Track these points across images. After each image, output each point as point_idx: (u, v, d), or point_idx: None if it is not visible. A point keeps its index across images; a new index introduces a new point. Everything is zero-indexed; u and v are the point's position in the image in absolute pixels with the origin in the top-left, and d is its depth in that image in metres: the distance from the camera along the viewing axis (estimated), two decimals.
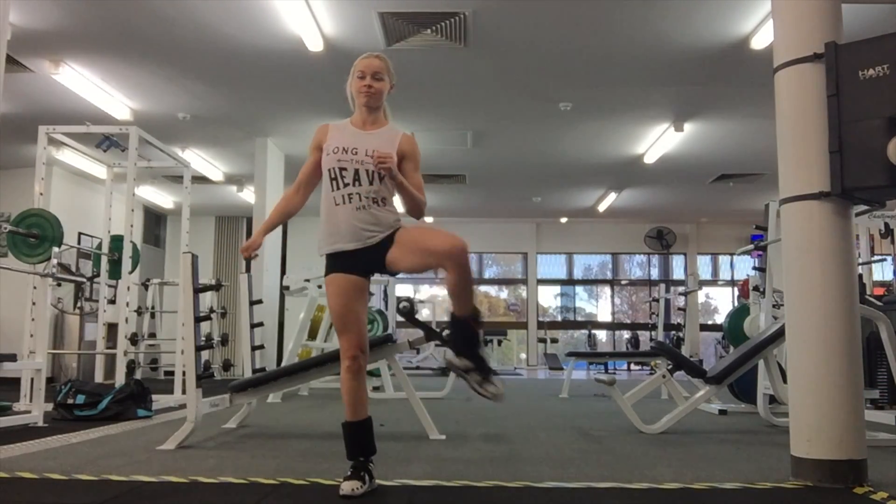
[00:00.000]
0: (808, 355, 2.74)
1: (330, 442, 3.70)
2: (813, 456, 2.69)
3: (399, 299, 5.98)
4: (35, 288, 5.11)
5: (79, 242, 9.50)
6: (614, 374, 12.40)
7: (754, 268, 5.73)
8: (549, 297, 15.21)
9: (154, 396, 5.15)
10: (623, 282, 15.25)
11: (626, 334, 14.59)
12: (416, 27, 5.61)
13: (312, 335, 7.05)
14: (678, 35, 5.77)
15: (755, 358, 4.36)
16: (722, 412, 5.34)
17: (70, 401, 4.70)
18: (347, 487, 2.42)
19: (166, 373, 9.13)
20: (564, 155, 9.37)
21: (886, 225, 5.88)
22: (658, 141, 8.58)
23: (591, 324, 14.57)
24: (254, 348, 4.83)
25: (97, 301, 6.74)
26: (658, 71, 6.53)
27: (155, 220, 12.77)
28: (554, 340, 14.15)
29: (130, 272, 5.78)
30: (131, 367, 7.59)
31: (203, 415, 3.69)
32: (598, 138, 8.66)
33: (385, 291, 9.87)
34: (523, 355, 14.77)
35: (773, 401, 4.66)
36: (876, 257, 6.24)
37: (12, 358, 4.46)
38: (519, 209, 13.15)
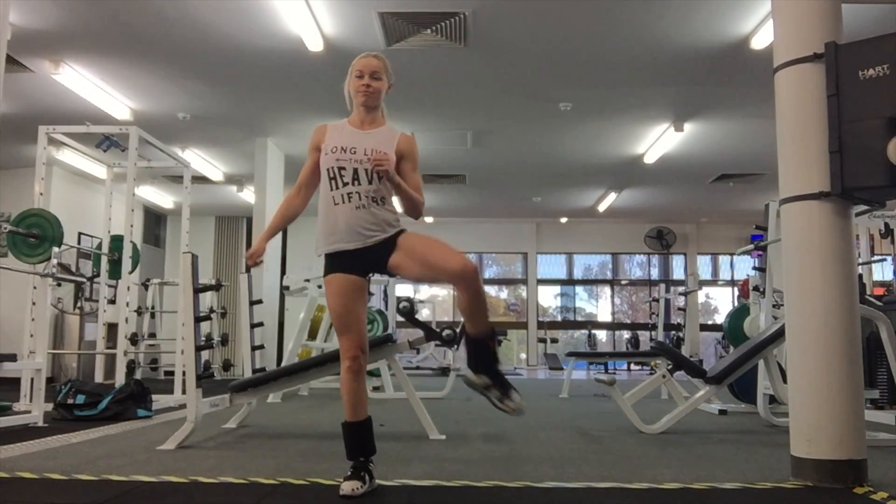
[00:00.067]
0: (808, 355, 2.74)
1: (330, 442, 3.70)
2: (813, 456, 2.69)
3: (399, 299, 5.98)
4: (35, 288, 5.11)
5: (79, 242, 9.50)
6: (614, 374, 12.40)
7: (754, 268, 5.73)
8: (549, 297, 15.21)
9: (154, 396, 5.15)
10: (623, 282, 15.25)
11: (626, 334, 14.59)
12: (416, 27, 5.61)
13: (312, 335, 7.05)
14: (678, 35, 5.77)
15: (755, 358, 4.36)
16: (722, 412, 5.34)
17: (70, 401, 4.70)
18: (347, 487, 2.42)
19: (166, 373, 9.13)
20: (564, 155, 9.37)
21: (886, 225, 5.88)
22: (658, 141, 8.58)
23: (591, 324, 14.57)
24: (254, 348, 4.83)
25: (97, 301, 6.74)
26: (658, 71, 6.53)
27: (155, 220, 12.77)
28: (554, 340, 14.15)
29: (130, 272, 5.78)
30: (131, 367, 7.59)
31: (203, 415, 3.69)
32: (598, 138, 8.66)
33: (385, 291, 9.87)
34: (523, 355, 14.77)
35: (773, 401, 4.66)
36: (876, 257, 6.24)
37: (12, 358, 4.46)
38: (519, 209, 13.15)
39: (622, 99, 7.32)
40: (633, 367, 13.94)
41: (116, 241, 6.12)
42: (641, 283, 15.07)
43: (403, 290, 13.66)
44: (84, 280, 7.23)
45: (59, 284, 6.22)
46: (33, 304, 5.10)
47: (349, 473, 2.49)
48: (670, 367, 4.73)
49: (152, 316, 9.32)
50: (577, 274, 15.10)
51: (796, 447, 2.77)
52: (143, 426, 4.40)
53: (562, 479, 2.78)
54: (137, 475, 2.76)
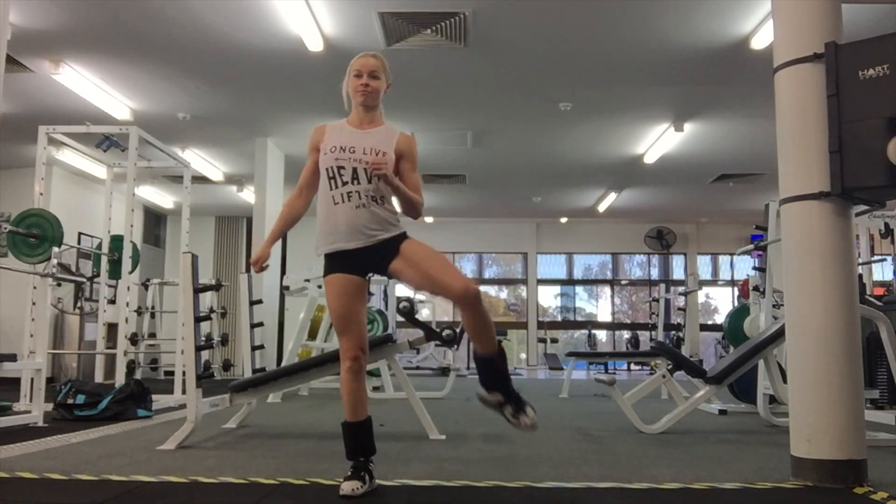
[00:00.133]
0: (808, 355, 2.74)
1: (330, 442, 3.70)
2: (813, 456, 2.69)
3: (399, 299, 5.98)
4: (35, 288, 5.11)
5: (79, 242, 9.50)
6: (614, 374, 12.40)
7: (754, 268, 5.73)
8: (549, 297, 15.22)
9: (154, 396, 5.15)
10: (623, 282, 15.25)
11: (626, 334, 14.59)
12: (416, 27, 5.61)
13: (312, 335, 7.05)
14: (678, 35, 5.77)
15: (755, 358, 4.36)
16: (722, 412, 5.34)
17: (70, 401, 4.70)
18: (347, 487, 2.42)
19: (166, 373, 9.13)
20: (564, 155, 9.37)
21: (886, 225, 5.88)
22: (658, 141, 8.58)
23: (591, 324, 14.57)
24: (254, 348, 4.83)
25: (97, 301, 6.74)
26: (658, 71, 6.53)
27: (155, 220, 12.77)
28: (554, 340, 14.15)
29: (130, 272, 5.78)
30: (131, 367, 7.59)
31: (203, 415, 3.69)
32: (598, 138, 8.66)
33: (385, 291, 9.87)
34: (523, 355, 14.77)
35: (773, 401, 4.66)
36: (876, 257, 6.24)
37: (12, 358, 4.46)
38: (519, 209, 13.15)
39: (622, 99, 7.32)
40: (633, 367, 13.94)
41: (116, 241, 6.12)
42: (641, 283, 15.07)
43: (403, 290, 13.67)
44: (84, 280, 7.23)
45: (59, 284, 6.22)
46: (33, 304, 5.10)
47: (349, 473, 2.49)
48: (670, 367, 4.73)
49: (152, 316, 9.33)
50: (577, 274, 15.10)
51: (796, 447, 2.77)
52: (143, 426, 4.40)
53: (562, 479, 2.78)
54: (137, 475, 2.76)
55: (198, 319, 3.66)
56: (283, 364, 6.22)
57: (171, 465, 3.02)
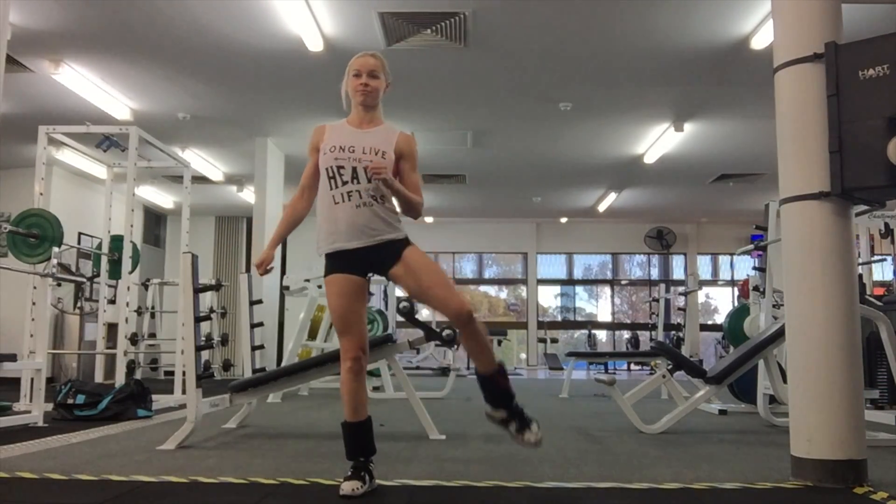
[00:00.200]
0: (808, 355, 2.74)
1: (330, 442, 3.70)
2: (813, 456, 2.69)
3: (399, 299, 5.97)
4: (35, 288, 5.11)
5: (79, 242, 9.50)
6: (614, 374, 12.40)
7: (754, 268, 5.73)
8: (549, 297, 15.22)
9: (154, 396, 5.15)
10: (623, 282, 15.25)
11: (626, 334, 14.59)
12: (416, 27, 5.61)
13: (312, 335, 7.05)
14: (678, 35, 5.77)
15: (755, 358, 4.36)
16: (722, 412, 5.34)
17: (70, 401, 4.70)
18: (347, 487, 2.42)
19: (166, 373, 9.13)
20: (564, 155, 9.37)
21: (886, 225, 5.88)
22: (658, 141, 8.58)
23: (591, 324, 14.58)
24: (254, 348, 4.83)
25: (97, 301, 6.74)
26: (658, 71, 6.53)
27: (155, 220, 12.77)
28: (554, 340, 14.15)
29: (130, 272, 5.78)
30: (131, 367, 7.59)
31: (203, 415, 3.69)
32: (598, 138, 8.66)
33: (385, 291, 9.88)
34: (523, 355, 14.77)
35: (773, 401, 4.66)
36: (876, 257, 6.24)
37: (12, 358, 4.47)
38: (519, 209, 13.15)
39: (622, 99, 7.32)
40: (633, 367, 13.93)
41: (116, 241, 6.12)
42: (641, 283, 15.08)
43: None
44: (84, 280, 7.23)
45: (59, 284, 6.22)
46: (33, 304, 5.10)
47: (349, 473, 2.49)
48: (670, 367, 4.73)
49: (152, 316, 9.32)
50: (577, 274, 15.11)
51: (796, 447, 2.77)
52: (143, 426, 4.40)
53: (562, 479, 2.78)
54: (137, 475, 2.76)
55: (198, 319, 3.67)
56: (283, 364, 6.22)
57: (171, 465, 3.02)
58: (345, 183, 2.56)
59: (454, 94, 7.23)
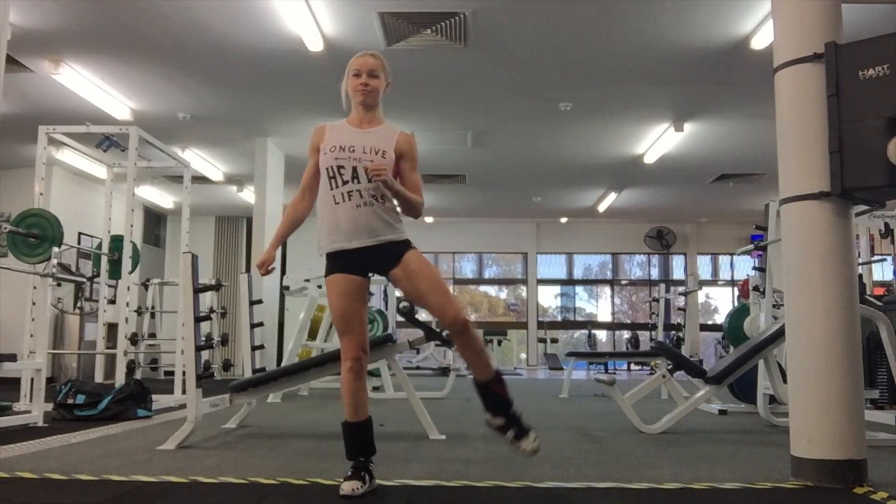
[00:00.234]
0: (807, 355, 2.74)
1: (330, 442, 3.70)
2: (813, 456, 2.69)
3: (399, 299, 5.98)
4: (35, 288, 5.11)
5: (79, 242, 9.50)
6: (614, 374, 12.40)
7: (754, 268, 5.73)
8: (549, 297, 15.22)
9: (154, 396, 5.15)
10: (623, 282, 15.25)
11: (626, 334, 14.60)
12: (416, 27, 5.61)
13: (312, 335, 7.05)
14: (678, 35, 5.77)
15: (755, 358, 4.36)
16: (722, 412, 5.34)
17: (70, 401, 4.70)
18: (347, 487, 2.42)
19: (166, 373, 9.13)
20: (564, 155, 9.38)
21: (886, 225, 5.88)
22: (658, 141, 8.58)
23: (591, 324, 14.58)
24: (254, 348, 4.83)
25: (97, 301, 6.74)
26: (658, 71, 6.53)
27: (155, 220, 12.78)
28: (554, 340, 14.15)
29: (130, 272, 5.78)
30: (131, 367, 7.59)
31: (203, 415, 3.69)
32: (598, 138, 8.66)
33: (385, 291, 9.88)
34: (523, 355, 14.77)
35: (773, 401, 4.66)
36: (876, 257, 6.24)
37: (12, 358, 4.46)
38: (519, 209, 13.15)
39: (622, 99, 7.32)
40: (633, 367, 13.94)
41: (116, 241, 6.12)
42: (641, 283, 15.08)
43: None
44: (84, 280, 7.23)
45: (59, 284, 6.22)
46: (33, 304, 5.10)
47: (349, 473, 2.49)
48: (670, 367, 4.73)
49: (152, 316, 9.33)
50: (577, 274, 15.11)
51: (796, 447, 2.77)
52: (143, 426, 4.40)
53: (562, 479, 2.78)
54: (137, 475, 2.76)
55: (198, 319, 3.66)
56: (283, 364, 6.22)
57: (171, 465, 3.02)
58: (345, 183, 2.56)
59: (454, 94, 7.23)
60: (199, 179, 9.94)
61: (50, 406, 4.72)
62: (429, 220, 13.56)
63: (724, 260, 14.86)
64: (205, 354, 7.62)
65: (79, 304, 8.73)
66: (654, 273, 14.97)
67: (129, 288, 5.60)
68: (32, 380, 4.78)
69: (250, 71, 6.55)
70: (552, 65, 6.43)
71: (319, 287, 6.43)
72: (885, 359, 4.26)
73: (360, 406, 2.55)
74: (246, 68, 6.49)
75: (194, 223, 7.88)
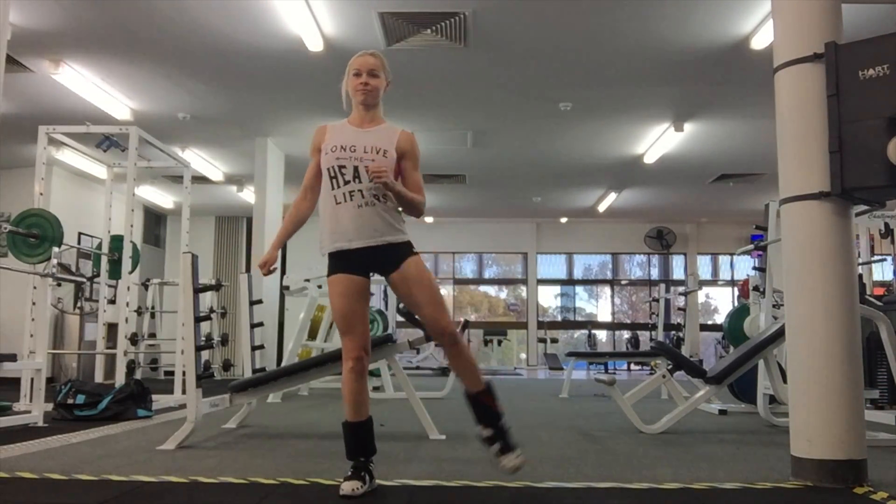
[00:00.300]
0: (807, 355, 2.74)
1: (330, 442, 3.70)
2: (813, 456, 2.69)
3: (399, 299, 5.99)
4: (35, 288, 5.11)
5: (79, 242, 9.50)
6: (614, 374, 12.40)
7: (754, 268, 5.73)
8: (549, 297, 15.22)
9: (154, 396, 5.15)
10: (623, 282, 15.25)
11: (626, 334, 14.60)
12: (416, 27, 5.61)
13: (312, 335, 7.05)
14: (678, 35, 5.77)
15: (755, 358, 4.36)
16: (722, 412, 5.34)
17: (70, 401, 4.69)
18: (348, 487, 2.42)
19: (166, 373, 9.14)
20: (564, 155, 9.38)
21: (886, 225, 5.88)
22: (658, 141, 8.58)
23: (591, 324, 14.58)
24: (254, 348, 4.83)
25: (97, 301, 6.74)
26: (658, 71, 6.53)
27: (155, 220, 12.78)
28: (554, 340, 14.15)
29: (130, 272, 5.78)
30: (131, 367, 7.59)
31: (203, 415, 3.69)
32: (598, 138, 8.66)
33: (385, 291, 9.88)
34: (523, 355, 14.77)
35: (773, 401, 4.66)
36: (876, 257, 6.24)
37: (12, 358, 4.46)
38: (519, 209, 13.15)
39: (622, 99, 7.32)
40: (633, 367, 13.94)
41: (116, 241, 6.12)
42: (641, 283, 15.08)
43: None
44: (84, 280, 7.23)
45: (59, 284, 6.22)
46: (33, 304, 5.10)
47: (349, 473, 2.49)
48: (670, 367, 4.73)
49: (152, 316, 9.33)
50: (577, 274, 15.11)
51: (796, 447, 2.77)
52: (143, 426, 4.40)
53: (562, 479, 2.78)
54: (137, 475, 2.76)
55: (198, 319, 3.66)
56: (283, 364, 6.22)
57: (171, 465, 3.02)
58: (347, 182, 2.56)
59: (454, 94, 7.23)
60: (199, 179, 9.95)
61: (50, 406, 4.72)
62: (429, 220, 13.57)
63: (724, 260, 14.87)
64: (205, 354, 7.62)
65: (79, 304, 8.74)
66: (654, 273, 14.97)
67: (129, 288, 5.60)
68: (32, 380, 4.78)
69: (250, 71, 6.56)
70: (552, 65, 6.43)
71: (319, 287, 6.44)
72: (885, 359, 4.26)
73: (361, 406, 2.55)
74: (246, 68, 6.49)
75: (194, 223, 7.88)
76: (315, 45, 5.85)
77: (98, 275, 6.42)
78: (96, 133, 5.73)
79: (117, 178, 6.44)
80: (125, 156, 5.58)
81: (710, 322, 14.73)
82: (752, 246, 5.74)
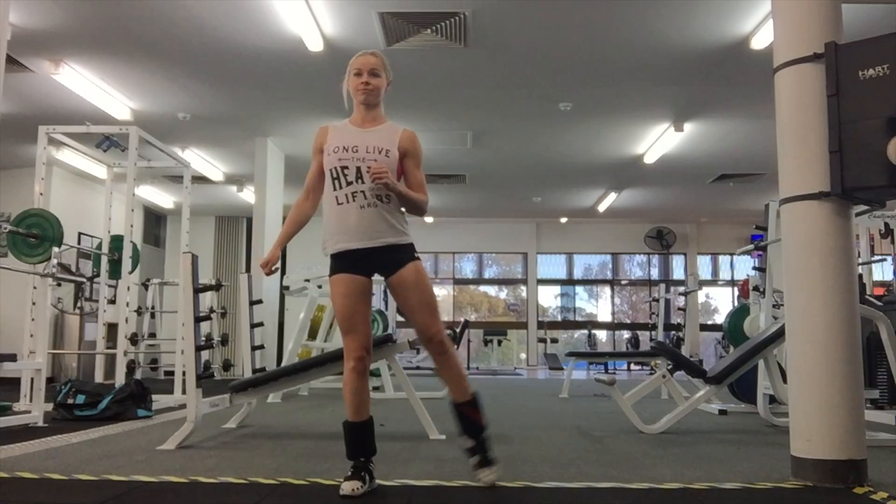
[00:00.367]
0: (808, 355, 2.74)
1: (330, 442, 3.70)
2: (813, 456, 2.69)
3: None
4: (35, 288, 5.11)
5: (79, 242, 9.50)
6: (614, 374, 12.40)
7: (754, 268, 5.73)
8: (549, 297, 15.22)
9: (154, 396, 5.15)
10: (623, 282, 15.25)
11: (626, 334, 14.60)
12: (416, 27, 5.61)
13: (312, 335, 7.05)
14: (678, 35, 5.77)
15: (755, 358, 4.36)
16: (722, 412, 5.34)
17: (70, 401, 4.69)
18: (348, 487, 2.42)
19: (166, 373, 9.14)
20: (564, 155, 9.38)
21: (886, 225, 5.88)
22: (658, 141, 8.58)
23: (591, 324, 14.58)
24: (254, 348, 4.83)
25: (97, 301, 6.74)
26: (658, 71, 6.53)
27: (155, 220, 12.78)
28: (554, 340, 14.15)
29: (130, 272, 5.78)
30: (131, 367, 7.59)
31: (203, 415, 3.69)
32: (598, 138, 8.66)
33: (385, 292, 9.87)
34: (523, 355, 14.77)
35: (773, 401, 4.66)
36: (876, 257, 6.24)
37: (12, 358, 4.47)
38: (519, 209, 13.15)
39: (622, 99, 7.32)
40: (633, 367, 13.94)
41: (116, 241, 6.12)
42: (641, 283, 15.08)
43: None
44: (84, 280, 7.24)
45: (59, 284, 6.22)
46: (33, 304, 5.10)
47: (349, 473, 2.49)
48: (670, 367, 4.73)
49: (152, 316, 9.33)
50: (577, 274, 15.11)
51: (796, 447, 2.77)
52: (143, 426, 4.40)
53: (562, 479, 2.78)
54: (137, 475, 2.76)
55: (198, 319, 3.66)
56: (283, 364, 6.22)
57: (171, 465, 3.02)
58: (349, 183, 2.56)
59: (454, 94, 7.23)
60: (199, 179, 9.95)
61: (50, 406, 4.72)
62: (429, 220, 13.57)
63: (724, 260, 14.87)
64: (205, 354, 7.62)
65: (79, 304, 8.74)
66: (654, 273, 14.97)
67: (129, 288, 5.60)
68: (32, 380, 4.78)
69: (250, 71, 6.56)
70: (552, 65, 6.43)
71: (319, 287, 6.43)
72: (885, 359, 4.25)
73: (362, 406, 2.55)
74: (246, 68, 6.49)
75: (194, 223, 7.88)
76: (315, 45, 5.85)
77: (98, 275, 6.42)
78: (96, 133, 5.73)
79: (117, 178, 6.43)
80: (125, 156, 5.58)
81: (710, 322, 14.73)
82: (752, 246, 5.74)
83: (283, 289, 6.79)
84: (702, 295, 14.63)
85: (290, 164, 9.22)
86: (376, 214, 2.55)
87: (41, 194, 5.45)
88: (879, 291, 7.10)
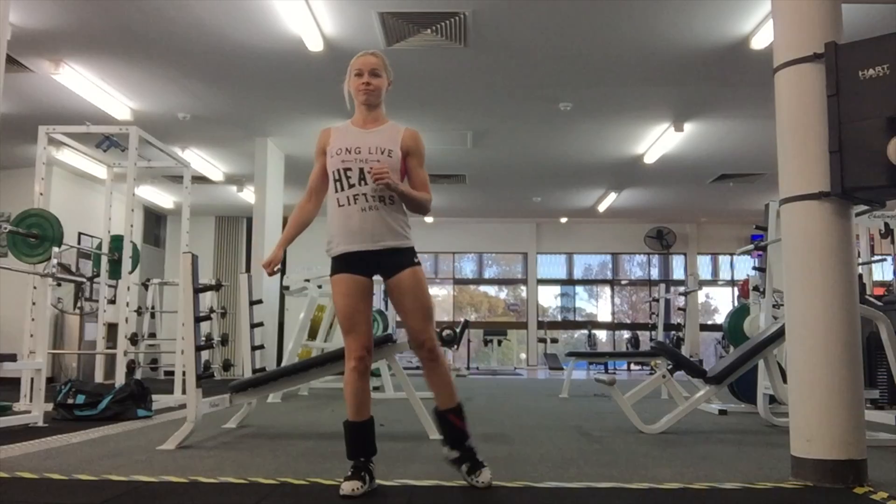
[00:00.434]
0: (808, 355, 2.74)
1: (330, 442, 3.70)
2: (813, 456, 2.69)
3: None
4: (35, 288, 5.11)
5: (79, 242, 9.50)
6: (614, 374, 12.40)
7: (754, 268, 5.73)
8: (549, 297, 15.22)
9: (154, 396, 5.15)
10: (623, 282, 15.25)
11: (626, 334, 14.59)
12: (416, 27, 5.61)
13: (312, 335, 7.05)
14: (678, 35, 5.77)
15: (755, 358, 4.36)
16: (722, 412, 5.34)
17: (70, 401, 4.69)
18: (348, 487, 2.42)
19: (166, 373, 9.14)
20: (564, 155, 9.38)
21: (886, 225, 5.88)
22: (658, 141, 8.58)
23: (591, 324, 14.58)
24: (254, 348, 4.83)
25: (97, 301, 6.74)
26: (658, 71, 6.53)
27: (155, 220, 12.78)
28: (554, 340, 14.15)
29: (130, 272, 5.78)
30: (131, 367, 7.59)
31: (203, 415, 3.69)
32: (598, 138, 8.67)
33: (385, 292, 9.86)
34: (523, 355, 14.77)
35: (773, 401, 4.66)
36: (876, 257, 6.23)
37: (12, 358, 4.47)
38: (519, 209, 13.15)
39: (622, 99, 7.32)
40: (633, 367, 13.94)
41: (116, 241, 6.12)
42: (641, 283, 15.08)
43: None
44: (84, 280, 7.24)
45: (59, 284, 6.22)
46: (33, 304, 5.10)
47: (350, 473, 2.49)
48: (670, 367, 4.73)
49: (152, 316, 9.33)
50: (577, 274, 15.11)
51: (796, 447, 2.77)
52: (143, 426, 4.40)
53: (562, 479, 2.78)
54: (137, 475, 2.76)
55: (198, 319, 3.66)
56: (283, 364, 6.22)
57: (171, 465, 3.02)
58: (351, 186, 2.56)
59: (454, 94, 7.23)
60: (199, 179, 9.95)
61: (50, 406, 4.72)
62: (429, 220, 13.57)
63: (724, 260, 14.87)
64: (205, 354, 7.62)
65: (79, 304, 8.74)
66: (654, 273, 14.97)
67: (129, 288, 5.60)
68: (32, 380, 4.78)
69: (250, 71, 6.56)
70: (552, 65, 6.43)
71: (319, 287, 6.43)
72: (885, 359, 4.25)
73: (362, 406, 2.56)
74: (246, 68, 6.49)
75: (194, 223, 7.88)
76: (315, 45, 5.85)
77: (98, 275, 6.42)
78: (96, 133, 5.73)
79: (117, 178, 6.43)
80: (125, 156, 5.58)
81: (710, 322, 14.73)
82: (752, 246, 5.74)
83: (283, 289, 6.79)
84: (702, 295, 14.63)
85: (290, 164, 9.22)
86: (378, 217, 2.55)
87: (41, 194, 5.45)
88: (879, 291, 7.10)
